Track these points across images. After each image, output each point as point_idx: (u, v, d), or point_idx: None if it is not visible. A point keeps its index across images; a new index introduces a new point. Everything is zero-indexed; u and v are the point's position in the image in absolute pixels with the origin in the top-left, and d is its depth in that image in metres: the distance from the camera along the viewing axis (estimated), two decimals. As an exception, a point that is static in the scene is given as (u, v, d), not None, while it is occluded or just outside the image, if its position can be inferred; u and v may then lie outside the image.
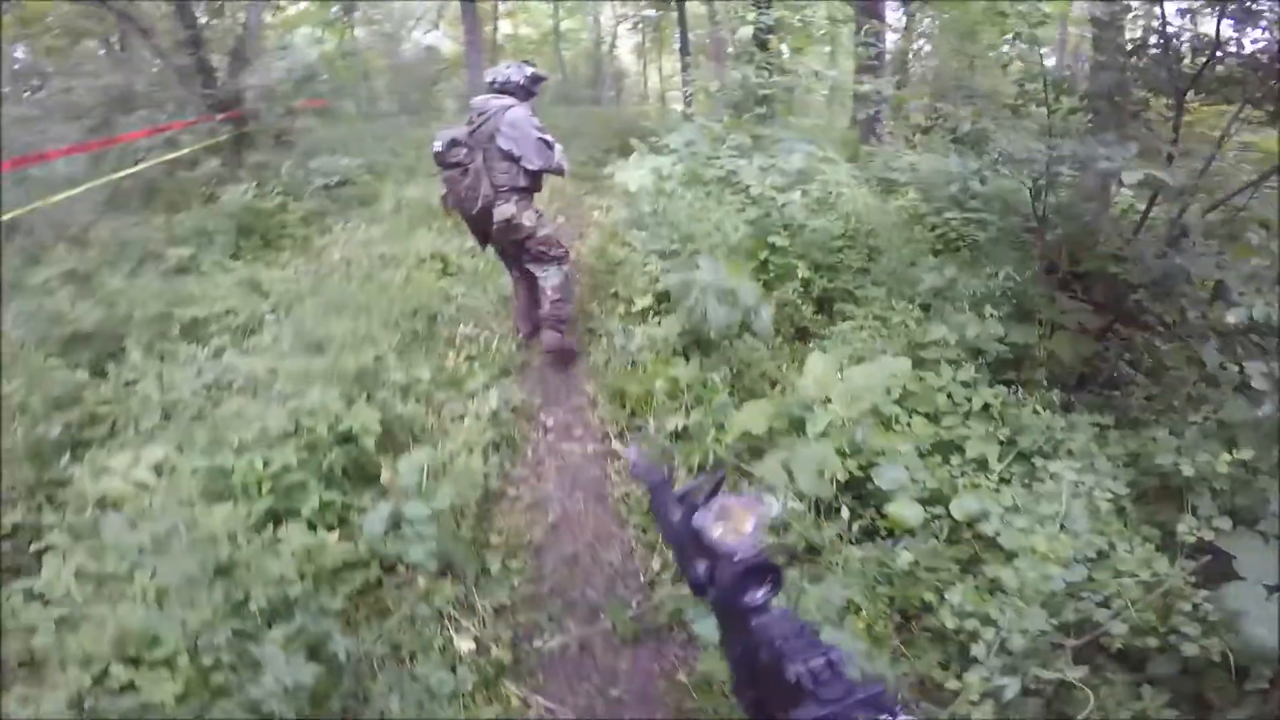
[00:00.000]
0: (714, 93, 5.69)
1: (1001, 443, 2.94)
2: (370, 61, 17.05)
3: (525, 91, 3.71)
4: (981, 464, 2.90)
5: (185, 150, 6.53)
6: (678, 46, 12.93)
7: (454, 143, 3.53)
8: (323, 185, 6.53)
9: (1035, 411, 3.03)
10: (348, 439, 2.97)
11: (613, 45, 19.85)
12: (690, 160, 5.35)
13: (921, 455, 2.97)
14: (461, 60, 17.82)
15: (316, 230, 6.30)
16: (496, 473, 3.32)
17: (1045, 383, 3.19)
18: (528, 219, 3.72)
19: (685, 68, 10.40)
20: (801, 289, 4.30)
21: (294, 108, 7.68)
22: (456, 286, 4.87)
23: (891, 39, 11.40)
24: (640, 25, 17.87)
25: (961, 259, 4.13)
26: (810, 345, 4.24)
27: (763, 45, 9.82)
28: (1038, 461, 2.79)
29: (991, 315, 3.10)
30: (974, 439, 2.93)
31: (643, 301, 4.17)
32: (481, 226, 3.76)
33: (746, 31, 5.49)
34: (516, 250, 3.87)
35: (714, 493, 0.83)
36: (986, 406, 3.08)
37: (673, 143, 5.60)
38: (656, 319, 3.99)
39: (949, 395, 3.04)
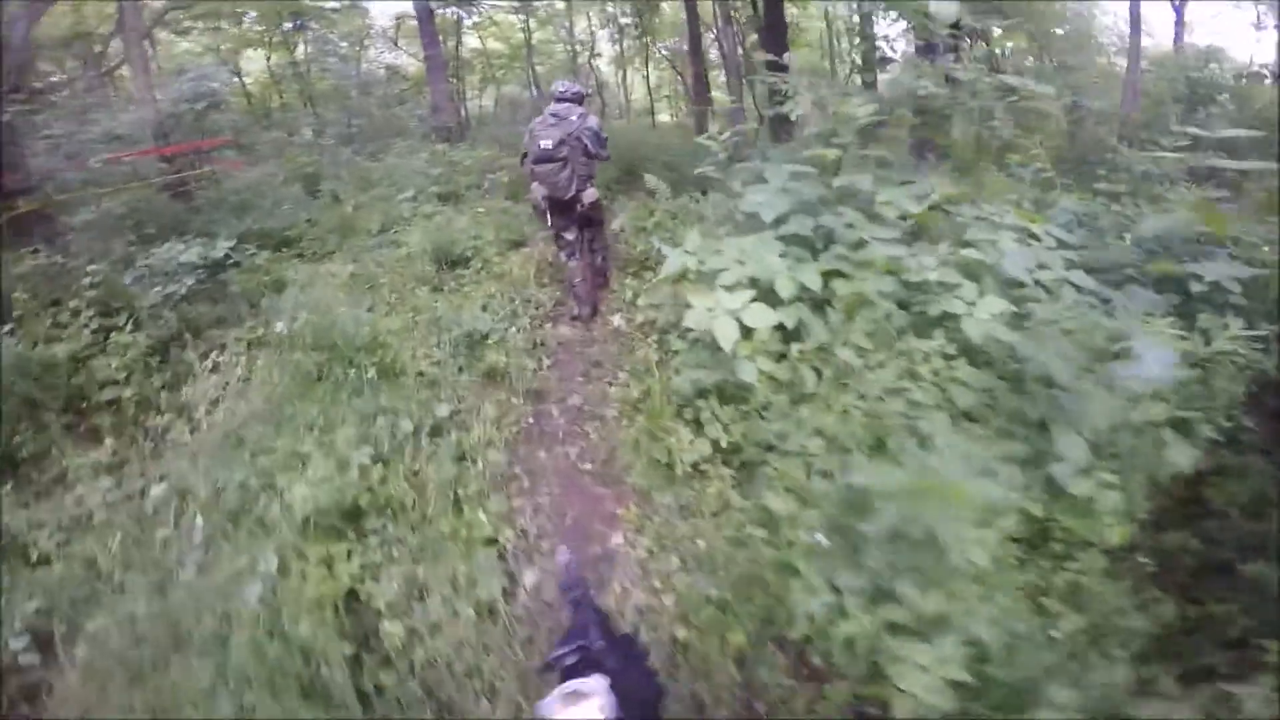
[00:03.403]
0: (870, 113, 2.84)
1: None
2: (316, 84, 14.00)
3: (581, 99, 4.16)
4: None
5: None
6: (687, 48, 10.18)
7: (563, 142, 3.90)
8: (171, 292, 3.75)
9: None
10: None
11: (591, 55, 16.98)
12: (802, 246, 2.71)
13: None
14: (424, 79, 14.96)
15: (161, 381, 3.55)
16: None
17: None
18: (600, 199, 4.29)
19: (738, 71, 7.44)
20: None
21: (94, 173, 4.77)
22: (387, 577, 2.17)
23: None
24: (623, 31, 15.04)
25: None
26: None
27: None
28: None
29: None
30: None
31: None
32: (566, 209, 4.09)
33: (948, 8, 2.68)
34: (587, 222, 4.29)
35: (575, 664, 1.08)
36: None
37: (760, 206, 2.88)
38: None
39: None
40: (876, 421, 2.16)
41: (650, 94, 16.65)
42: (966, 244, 2.53)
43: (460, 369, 3.37)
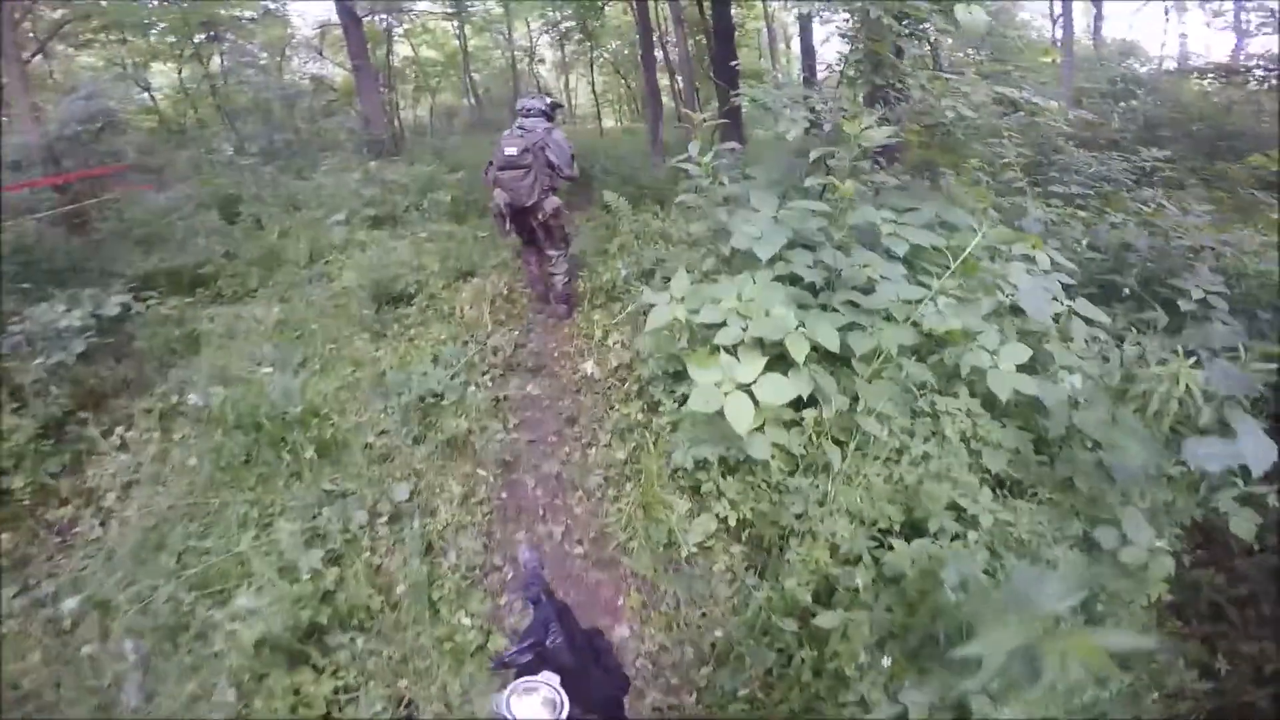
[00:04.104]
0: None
1: None
2: (235, 98, 12.95)
3: (547, 115, 4.18)
4: None
5: None
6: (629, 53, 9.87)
7: (526, 150, 3.96)
8: (58, 361, 3.17)
9: None
10: None
11: (532, 61, 16.46)
12: (802, 286, 2.45)
13: None
14: (353, 89, 14.08)
15: (59, 464, 2.99)
16: None
17: None
18: (563, 208, 4.24)
19: (690, 76, 7.15)
20: None
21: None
22: (367, 700, 1.82)
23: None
24: (565, 35, 14.63)
25: None
26: None
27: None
28: None
29: None
30: None
31: None
32: (526, 218, 4.16)
33: (979, 19, 2.41)
34: (546, 233, 4.26)
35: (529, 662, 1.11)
36: None
37: (754, 242, 2.50)
38: None
39: None
40: (907, 494, 1.92)
41: (596, 100, 16.29)
42: (980, 281, 2.33)
43: (415, 439, 2.95)
